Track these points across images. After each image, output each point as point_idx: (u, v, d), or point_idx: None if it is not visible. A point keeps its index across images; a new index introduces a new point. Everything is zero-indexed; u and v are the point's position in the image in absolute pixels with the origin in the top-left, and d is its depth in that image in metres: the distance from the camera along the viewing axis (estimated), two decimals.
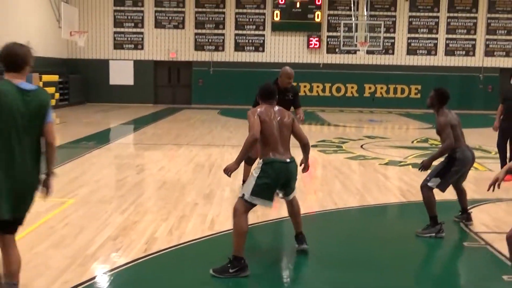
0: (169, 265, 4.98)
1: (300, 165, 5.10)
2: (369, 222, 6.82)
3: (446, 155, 5.71)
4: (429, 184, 5.69)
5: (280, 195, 5.12)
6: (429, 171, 5.79)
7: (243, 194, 4.63)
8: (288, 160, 4.73)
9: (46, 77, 21.36)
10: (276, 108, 4.89)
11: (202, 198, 7.41)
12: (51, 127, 3.75)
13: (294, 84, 7.81)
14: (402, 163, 10.52)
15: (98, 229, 5.87)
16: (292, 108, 7.20)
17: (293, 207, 5.15)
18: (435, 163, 5.83)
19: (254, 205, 4.67)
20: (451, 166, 5.66)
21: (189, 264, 5.06)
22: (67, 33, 18.94)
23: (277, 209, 6.49)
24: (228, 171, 4.68)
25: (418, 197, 7.48)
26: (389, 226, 6.82)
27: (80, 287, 4.32)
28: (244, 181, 7.09)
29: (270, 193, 4.70)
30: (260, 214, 6.29)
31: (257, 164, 4.77)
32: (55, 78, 22.29)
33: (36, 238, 5.45)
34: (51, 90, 21.64)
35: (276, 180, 4.67)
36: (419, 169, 5.97)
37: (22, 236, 5.48)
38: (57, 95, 22.34)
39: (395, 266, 5.06)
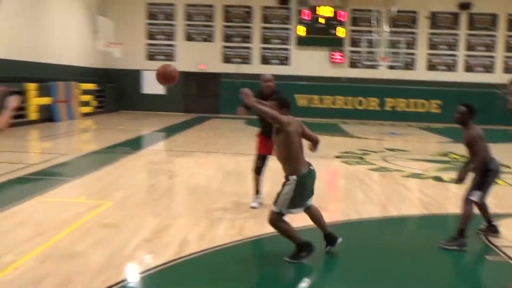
0: (201, 268, 4.98)
1: None
2: (392, 233, 6.74)
3: (478, 168, 5.62)
4: (472, 198, 5.59)
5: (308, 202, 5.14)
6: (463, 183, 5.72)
7: (280, 211, 4.83)
8: (312, 167, 4.91)
9: (84, 86, 21.76)
10: (295, 119, 5.00)
11: (231, 204, 7.41)
12: None
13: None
14: (423, 176, 10.37)
15: (133, 231, 5.91)
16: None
17: (313, 213, 5.20)
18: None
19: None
20: (488, 177, 5.62)
21: (220, 266, 5.04)
22: (103, 44, 19.20)
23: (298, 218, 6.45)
24: (245, 94, 5.04)
25: (440, 209, 7.46)
26: (411, 237, 6.72)
27: (118, 286, 4.35)
28: (257, 191, 7.23)
29: (303, 201, 4.93)
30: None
31: (290, 179, 4.81)
32: (92, 86, 22.68)
33: (76, 238, 5.52)
34: (88, 98, 22.05)
35: (308, 188, 4.90)
36: (456, 182, 5.86)
37: (64, 235, 5.59)
38: (94, 103, 22.70)
39: (416, 277, 4.95)
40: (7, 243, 5.22)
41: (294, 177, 4.72)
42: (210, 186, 8.70)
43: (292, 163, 4.78)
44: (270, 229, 6.12)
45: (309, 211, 5.17)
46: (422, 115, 25.52)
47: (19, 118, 16.78)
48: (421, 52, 25.72)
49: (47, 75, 18.89)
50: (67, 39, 21.63)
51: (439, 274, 5.27)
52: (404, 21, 25.54)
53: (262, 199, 7.11)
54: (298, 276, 5.00)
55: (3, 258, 4.73)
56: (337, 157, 12.49)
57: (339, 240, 5.18)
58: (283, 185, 4.90)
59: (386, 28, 24.45)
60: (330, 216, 6.92)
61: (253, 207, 7.02)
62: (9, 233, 5.62)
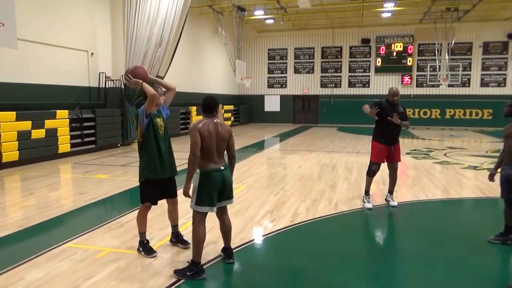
0: (308, 232, 4.91)
1: None
2: (453, 211, 6.15)
3: None
4: None
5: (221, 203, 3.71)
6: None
7: (191, 206, 3.58)
8: (222, 167, 3.57)
9: (226, 107, 22.64)
10: (215, 120, 3.65)
11: (328, 187, 7.25)
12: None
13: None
14: (478, 168, 9.35)
15: (260, 205, 5.99)
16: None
17: (225, 224, 3.81)
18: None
19: (205, 213, 3.57)
20: None
21: (320, 232, 4.95)
22: (239, 78, 19.84)
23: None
24: (185, 194, 3.51)
25: (494, 193, 6.64)
26: (470, 215, 6.10)
27: (250, 243, 4.42)
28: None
29: (209, 200, 3.52)
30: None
31: (195, 174, 3.55)
32: (231, 107, 23.53)
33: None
34: (229, 115, 22.91)
35: (214, 187, 3.52)
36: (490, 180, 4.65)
37: None
38: (232, 118, 23.55)
39: (470, 245, 4.38)
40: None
41: (198, 170, 3.52)
42: (312, 174, 8.60)
43: (201, 159, 3.51)
44: (357, 205, 5.94)
45: (222, 219, 3.80)
46: (477, 121, 23.06)
47: (185, 130, 17.89)
48: (475, 73, 23.20)
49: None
50: (216, 75, 22.71)
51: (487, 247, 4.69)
52: (461, 50, 23.27)
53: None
54: (383, 239, 4.75)
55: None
56: (408, 153, 11.70)
57: (232, 260, 3.80)
58: None
59: (446, 56, 22.50)
60: (404, 197, 6.52)
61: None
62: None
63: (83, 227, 4.84)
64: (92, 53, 12.80)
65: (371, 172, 5.94)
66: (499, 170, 4.52)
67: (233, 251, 3.94)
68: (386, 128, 5.71)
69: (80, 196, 6.49)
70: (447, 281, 3.52)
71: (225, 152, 3.71)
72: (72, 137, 10.95)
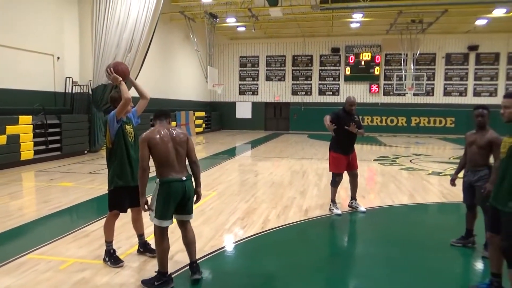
0: (278, 238, 4.93)
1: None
2: (418, 215, 6.35)
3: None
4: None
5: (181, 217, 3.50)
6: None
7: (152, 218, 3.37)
8: (184, 178, 3.33)
9: (198, 113, 22.51)
10: (169, 127, 3.44)
11: (299, 194, 7.32)
12: None
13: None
14: (442, 173, 9.72)
15: (231, 212, 5.97)
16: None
17: (187, 236, 3.51)
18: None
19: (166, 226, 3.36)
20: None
21: (291, 238, 4.98)
22: (211, 85, 19.79)
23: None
24: (142, 208, 3.38)
25: (457, 198, 6.89)
26: (434, 220, 6.32)
27: (221, 250, 4.39)
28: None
29: (167, 212, 3.31)
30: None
31: (155, 184, 3.36)
32: (202, 114, 23.41)
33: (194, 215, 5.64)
34: (200, 121, 22.77)
35: (172, 199, 3.29)
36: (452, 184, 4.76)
37: None
38: (204, 125, 23.42)
39: (435, 247, 4.56)
40: None
41: (157, 180, 3.31)
42: (283, 181, 8.66)
43: (159, 168, 3.32)
44: (327, 211, 6.03)
45: (183, 231, 3.52)
46: (440, 129, 24.02)
47: None
48: (439, 83, 24.24)
49: (173, 107, 19.69)
50: (188, 82, 22.54)
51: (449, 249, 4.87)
52: (425, 60, 24.23)
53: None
54: (352, 244, 4.83)
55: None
56: (375, 160, 12.01)
57: (197, 276, 3.50)
58: None
59: (412, 66, 23.37)
60: (371, 203, 6.67)
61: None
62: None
63: (46, 237, 4.66)
64: (58, 57, 12.42)
65: (335, 183, 6.02)
66: (460, 175, 4.70)
67: (204, 258, 3.89)
68: (343, 137, 5.82)
69: (43, 205, 6.24)
70: (412, 283, 3.62)
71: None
72: (36, 144, 10.54)
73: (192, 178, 3.48)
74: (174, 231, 3.53)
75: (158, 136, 3.31)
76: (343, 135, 5.80)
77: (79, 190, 7.34)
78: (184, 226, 3.53)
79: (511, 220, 2.96)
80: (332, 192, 6.09)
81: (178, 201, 3.34)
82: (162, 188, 3.29)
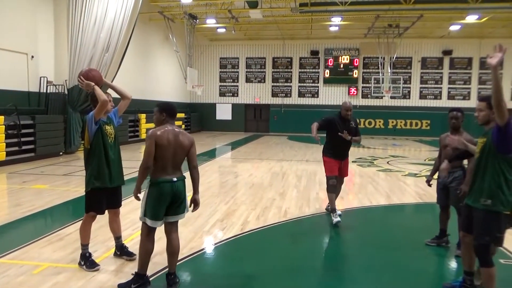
0: (258, 240, 4.94)
1: (191, 205, 3.48)
2: (395, 216, 6.49)
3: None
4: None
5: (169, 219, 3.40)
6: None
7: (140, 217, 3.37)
8: (175, 179, 3.29)
9: (177, 115, 22.21)
10: (177, 129, 3.40)
11: (278, 195, 7.35)
12: None
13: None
14: (418, 175, 9.96)
15: (210, 214, 5.94)
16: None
17: (172, 243, 3.40)
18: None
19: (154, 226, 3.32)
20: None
21: (271, 239, 4.99)
22: (190, 86, 19.65)
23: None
24: (135, 196, 3.39)
25: (431, 199, 7.03)
26: (410, 220, 6.47)
27: (200, 252, 4.37)
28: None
29: (157, 213, 3.28)
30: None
31: (146, 182, 3.34)
32: (182, 115, 23.20)
33: None
34: (180, 122, 22.55)
35: (163, 199, 3.26)
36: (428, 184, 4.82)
37: None
38: (183, 126, 23.20)
39: (411, 248, 4.65)
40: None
41: (148, 180, 3.30)
42: (262, 182, 8.67)
43: (154, 168, 3.27)
44: (306, 212, 6.07)
45: (169, 238, 3.41)
46: (416, 131, 24.58)
47: (134, 138, 17.37)
48: (415, 86, 24.82)
49: (152, 108, 19.35)
50: (167, 82, 22.30)
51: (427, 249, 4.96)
52: (402, 64, 24.79)
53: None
54: (330, 245, 4.88)
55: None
56: (354, 162, 12.19)
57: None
58: None
59: (389, 70, 23.85)
60: (349, 203, 6.76)
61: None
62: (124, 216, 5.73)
63: (18, 241, 4.51)
64: (32, 56, 12.07)
65: (330, 187, 5.59)
66: (435, 176, 4.82)
67: (183, 260, 3.86)
68: (336, 143, 5.55)
69: (16, 208, 6.05)
70: (389, 282, 3.69)
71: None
72: (8, 145, 10.21)
73: (185, 180, 3.43)
74: (157, 233, 3.48)
75: (166, 139, 3.27)
76: (336, 141, 5.51)
77: (54, 192, 7.14)
78: (172, 232, 3.42)
79: (483, 218, 3.05)
80: (330, 199, 5.61)
81: (168, 202, 3.30)
82: (152, 188, 3.28)
